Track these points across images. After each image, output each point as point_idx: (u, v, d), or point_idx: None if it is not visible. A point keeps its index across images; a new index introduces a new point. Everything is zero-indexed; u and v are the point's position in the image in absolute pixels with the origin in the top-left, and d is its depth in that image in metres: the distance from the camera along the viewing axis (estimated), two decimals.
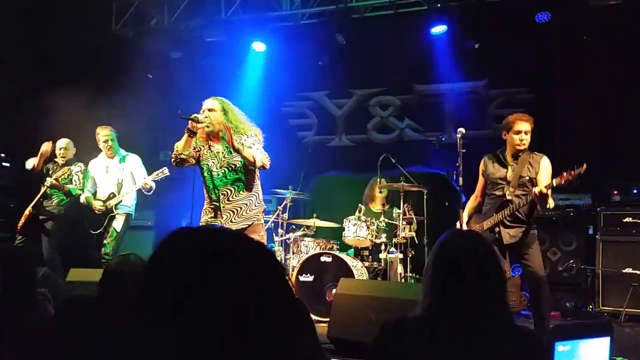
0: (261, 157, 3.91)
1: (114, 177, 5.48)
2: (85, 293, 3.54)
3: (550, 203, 3.95)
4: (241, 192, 3.98)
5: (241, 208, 3.97)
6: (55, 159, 5.76)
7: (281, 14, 7.47)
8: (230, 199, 3.95)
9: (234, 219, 3.94)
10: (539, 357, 1.51)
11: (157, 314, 0.77)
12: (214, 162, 4.00)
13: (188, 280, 0.77)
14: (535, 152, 4.24)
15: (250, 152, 3.85)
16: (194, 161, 4.05)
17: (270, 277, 0.82)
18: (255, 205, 4.04)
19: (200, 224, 4.04)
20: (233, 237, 0.85)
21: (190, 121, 3.85)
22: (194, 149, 4.00)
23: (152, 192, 5.40)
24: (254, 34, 7.69)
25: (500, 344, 1.47)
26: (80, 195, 5.57)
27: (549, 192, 3.85)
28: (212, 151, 4.02)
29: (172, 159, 3.98)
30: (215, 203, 3.99)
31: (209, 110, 3.96)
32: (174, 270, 0.79)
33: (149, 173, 5.40)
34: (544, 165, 4.14)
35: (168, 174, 5.19)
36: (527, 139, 4.15)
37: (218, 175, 4.00)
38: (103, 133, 5.51)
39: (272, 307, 0.78)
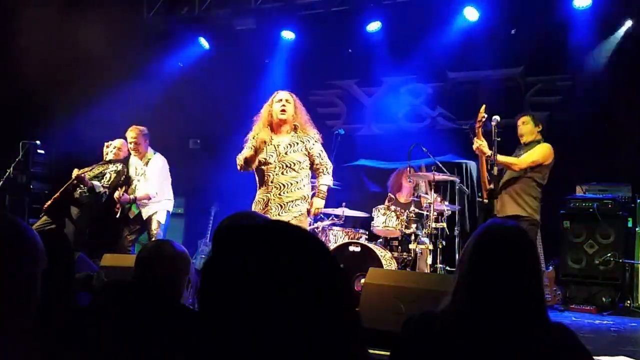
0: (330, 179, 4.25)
1: (135, 178, 5.54)
2: (119, 277, 3.60)
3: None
4: (294, 190, 4.10)
5: (287, 204, 4.08)
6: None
7: (310, 2, 7.38)
8: (282, 194, 4.07)
9: (282, 212, 4.06)
10: (574, 356, 1.42)
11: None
12: (271, 155, 4.09)
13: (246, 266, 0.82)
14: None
15: (326, 182, 4.22)
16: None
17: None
18: (302, 202, 4.16)
19: None
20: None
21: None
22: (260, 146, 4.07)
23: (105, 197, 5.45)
24: (284, 22, 7.63)
25: (534, 341, 1.40)
26: (102, 194, 5.50)
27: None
28: (272, 144, 4.10)
29: (239, 168, 4.17)
30: (267, 195, 4.09)
31: (287, 101, 4.15)
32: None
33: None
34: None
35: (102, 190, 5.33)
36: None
37: (275, 168, 4.09)
38: (130, 135, 5.49)
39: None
